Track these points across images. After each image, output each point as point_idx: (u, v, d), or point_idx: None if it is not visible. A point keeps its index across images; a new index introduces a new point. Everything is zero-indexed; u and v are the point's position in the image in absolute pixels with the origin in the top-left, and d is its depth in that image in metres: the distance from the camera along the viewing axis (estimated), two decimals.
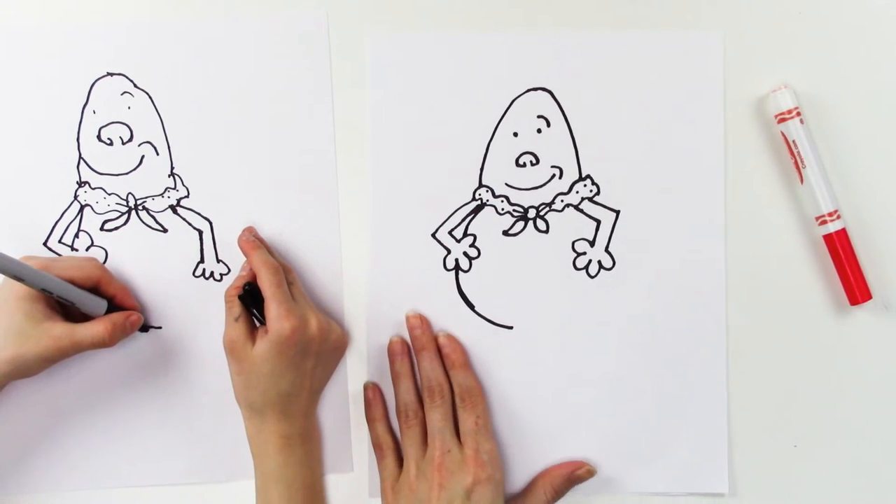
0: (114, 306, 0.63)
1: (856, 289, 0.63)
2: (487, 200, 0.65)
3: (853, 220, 0.64)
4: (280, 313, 0.59)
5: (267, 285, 0.60)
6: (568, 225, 0.65)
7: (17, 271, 0.56)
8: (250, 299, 0.61)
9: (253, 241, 0.64)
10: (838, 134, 0.64)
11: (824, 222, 0.63)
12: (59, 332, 0.59)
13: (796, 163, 0.63)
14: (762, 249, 0.65)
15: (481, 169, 0.65)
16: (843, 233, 0.63)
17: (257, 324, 0.62)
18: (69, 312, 0.62)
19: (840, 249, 0.63)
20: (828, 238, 0.64)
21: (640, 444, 0.65)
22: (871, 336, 0.65)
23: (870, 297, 0.64)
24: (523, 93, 0.65)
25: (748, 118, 0.65)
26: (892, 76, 0.65)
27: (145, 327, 0.65)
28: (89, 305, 0.61)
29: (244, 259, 0.64)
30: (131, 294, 0.64)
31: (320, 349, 0.62)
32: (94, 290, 0.62)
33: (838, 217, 0.63)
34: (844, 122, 0.64)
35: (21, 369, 0.59)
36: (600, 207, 0.65)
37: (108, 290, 0.63)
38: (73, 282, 0.60)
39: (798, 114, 0.63)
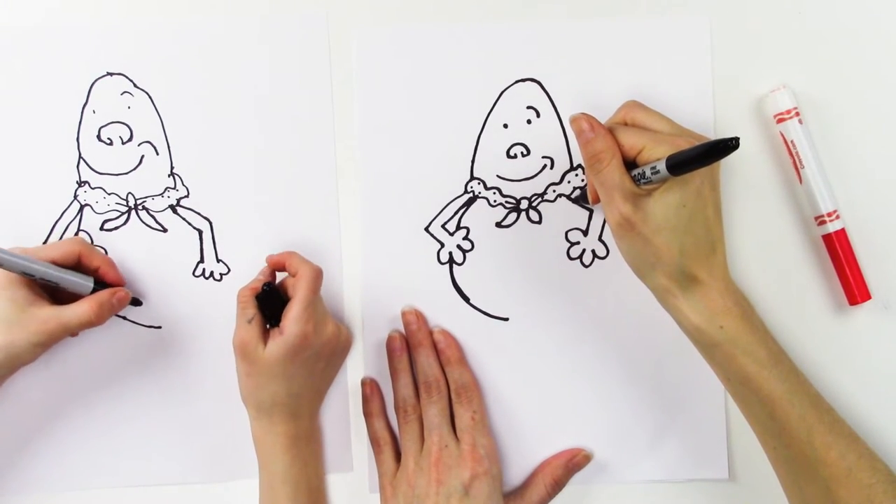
0: (100, 283, 0.62)
1: (855, 289, 0.63)
2: (479, 193, 0.65)
3: (853, 220, 0.64)
4: (302, 315, 0.59)
5: (305, 287, 0.60)
6: (560, 215, 0.65)
7: None
8: (269, 300, 0.61)
9: (283, 252, 0.64)
10: (837, 134, 0.64)
11: (823, 222, 0.63)
12: (46, 315, 0.59)
13: (795, 163, 0.63)
14: (762, 249, 0.65)
15: (472, 161, 0.65)
16: (842, 233, 0.63)
17: (267, 325, 0.62)
18: (60, 297, 0.62)
19: (839, 249, 0.63)
20: (827, 238, 0.64)
21: (639, 432, 0.66)
22: (871, 336, 0.65)
23: (869, 297, 0.64)
24: (512, 84, 0.65)
25: (747, 118, 0.65)
26: (892, 76, 0.65)
27: (137, 301, 0.65)
28: (74, 284, 0.61)
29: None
30: (115, 266, 0.64)
31: (332, 351, 0.63)
32: (78, 267, 0.62)
33: (837, 217, 0.63)
34: (844, 122, 0.64)
35: (13, 357, 0.59)
36: None
37: (91, 262, 0.62)
38: (54, 263, 0.60)
39: (797, 114, 0.63)
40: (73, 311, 0.60)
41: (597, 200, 0.60)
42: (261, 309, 0.61)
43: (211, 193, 0.66)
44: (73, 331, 0.60)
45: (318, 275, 0.61)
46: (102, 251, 0.65)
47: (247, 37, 0.65)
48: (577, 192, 0.65)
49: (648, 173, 0.54)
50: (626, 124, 0.59)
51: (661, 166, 0.53)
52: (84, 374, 0.66)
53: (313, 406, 0.65)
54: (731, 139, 0.50)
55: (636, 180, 0.55)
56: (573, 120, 0.58)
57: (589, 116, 0.57)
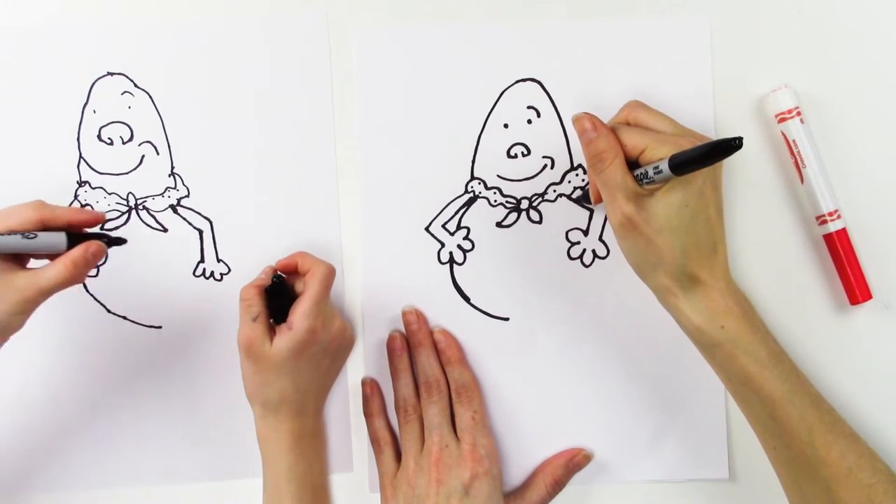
0: (77, 235, 0.57)
1: (856, 288, 0.63)
2: (480, 192, 0.65)
3: (853, 220, 0.64)
4: (312, 311, 0.59)
5: (318, 284, 0.60)
6: (561, 215, 0.65)
7: None
8: (276, 295, 0.61)
9: (293, 253, 0.63)
10: (838, 133, 0.64)
11: (825, 222, 0.63)
12: (22, 282, 0.56)
13: (796, 162, 0.63)
14: (762, 249, 0.65)
15: (473, 161, 0.65)
16: (843, 232, 0.63)
17: (271, 322, 0.62)
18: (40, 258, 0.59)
19: (840, 249, 0.63)
20: (828, 238, 0.64)
21: (639, 432, 0.66)
22: (871, 336, 0.65)
23: (870, 297, 0.64)
24: (512, 84, 0.65)
25: (747, 118, 0.65)
26: (892, 76, 0.65)
27: (119, 240, 0.60)
28: (44, 247, 0.57)
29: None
30: (85, 212, 0.59)
31: (337, 348, 0.63)
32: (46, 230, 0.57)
33: (839, 217, 0.63)
34: (844, 122, 0.64)
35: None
36: None
37: (57, 224, 0.57)
38: (13, 232, 0.56)
39: (798, 113, 0.63)
40: (49, 274, 0.56)
41: (599, 200, 0.60)
42: (267, 305, 0.61)
43: (211, 193, 0.66)
44: (52, 292, 0.56)
45: (331, 272, 0.61)
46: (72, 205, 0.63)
47: (247, 37, 0.65)
48: (578, 191, 0.65)
49: (651, 173, 0.54)
50: (628, 124, 0.59)
51: (664, 166, 0.53)
52: (84, 373, 0.66)
53: (318, 403, 0.65)
54: (735, 139, 0.50)
55: (638, 180, 0.55)
56: (576, 119, 0.58)
57: (591, 116, 0.57)
